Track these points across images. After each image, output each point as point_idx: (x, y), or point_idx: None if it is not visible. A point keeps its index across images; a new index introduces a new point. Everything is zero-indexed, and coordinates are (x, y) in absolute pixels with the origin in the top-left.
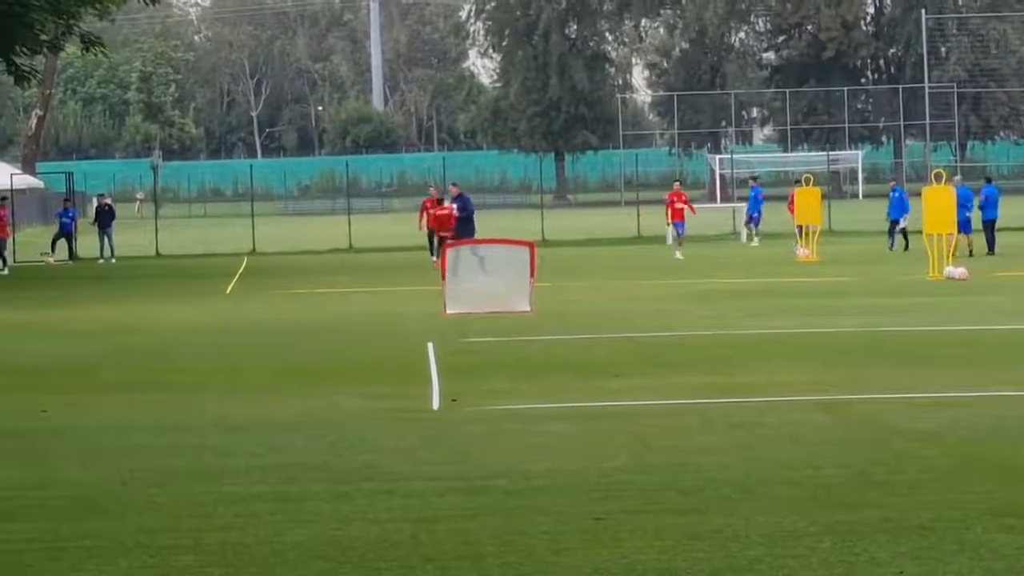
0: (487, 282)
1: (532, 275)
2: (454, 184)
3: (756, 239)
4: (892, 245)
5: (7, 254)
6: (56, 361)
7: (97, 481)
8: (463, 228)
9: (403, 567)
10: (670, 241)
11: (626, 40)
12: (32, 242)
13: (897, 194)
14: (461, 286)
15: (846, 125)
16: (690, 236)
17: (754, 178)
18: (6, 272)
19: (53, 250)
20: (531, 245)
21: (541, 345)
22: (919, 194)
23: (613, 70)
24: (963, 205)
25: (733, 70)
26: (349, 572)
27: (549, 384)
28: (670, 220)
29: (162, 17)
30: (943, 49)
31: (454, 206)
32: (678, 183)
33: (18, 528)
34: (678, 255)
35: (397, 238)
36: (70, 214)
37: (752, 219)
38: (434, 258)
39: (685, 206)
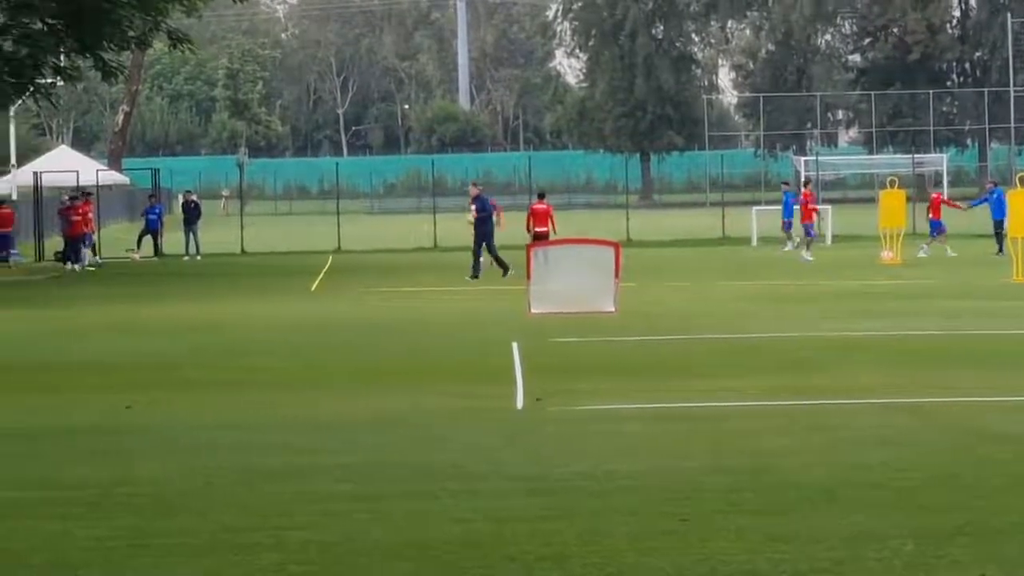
0: (572, 282)
1: (617, 275)
2: (474, 183)
3: (790, 244)
4: (1001, 249)
5: (85, 251)
6: (141, 358)
7: (180, 479)
8: (481, 228)
9: (485, 567)
10: (790, 246)
11: (712, 41)
12: (117, 238)
13: (996, 195)
14: (546, 286)
15: (931, 128)
16: (772, 237)
17: (785, 183)
18: (92, 268)
19: (139, 247)
20: (616, 245)
21: (625, 345)
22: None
23: (699, 71)
24: None
25: (819, 72)
26: (431, 572)
27: (632, 384)
28: (803, 220)
29: (250, 14)
30: None
31: (473, 207)
32: (810, 184)
33: (102, 524)
34: (807, 256)
35: None
36: (156, 211)
37: (786, 225)
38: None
39: (816, 208)
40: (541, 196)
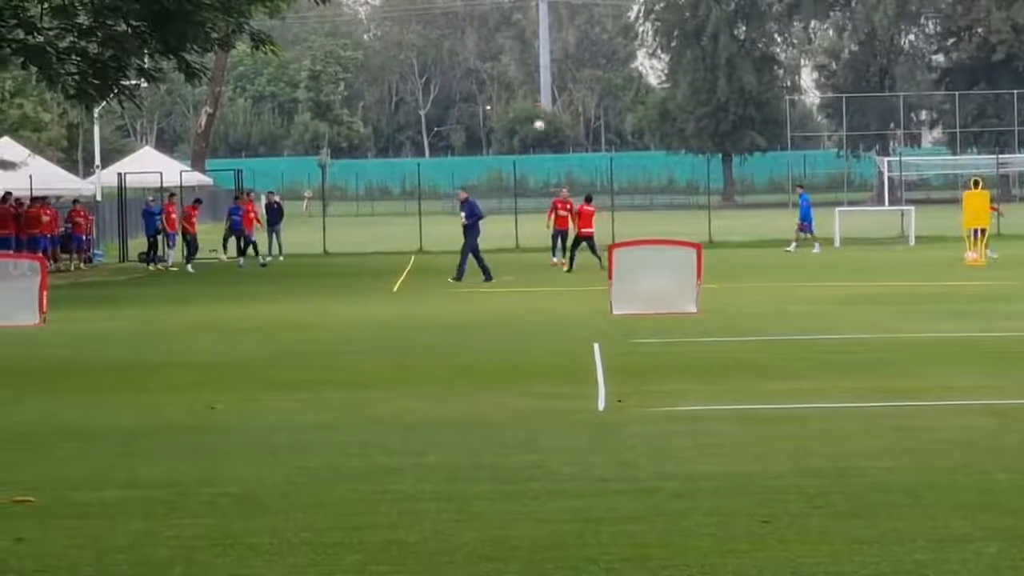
0: (654, 283)
1: (699, 276)
2: (463, 189)
3: (816, 245)
4: None
5: (170, 252)
6: (225, 358)
7: (264, 478)
8: (470, 233)
9: (569, 568)
10: (794, 246)
11: (795, 42)
12: (201, 239)
13: None
14: (628, 287)
15: (1015, 128)
16: (856, 239)
17: (800, 186)
18: (175, 268)
19: (224, 248)
20: (698, 247)
21: (707, 347)
22: None
23: (782, 72)
24: None
25: (902, 72)
26: (515, 572)
27: (715, 386)
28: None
29: (332, 16)
30: None
31: (463, 214)
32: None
33: (186, 523)
34: (978, 256)
35: None
36: (240, 211)
37: (804, 227)
38: (554, 258)
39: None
40: (588, 199)
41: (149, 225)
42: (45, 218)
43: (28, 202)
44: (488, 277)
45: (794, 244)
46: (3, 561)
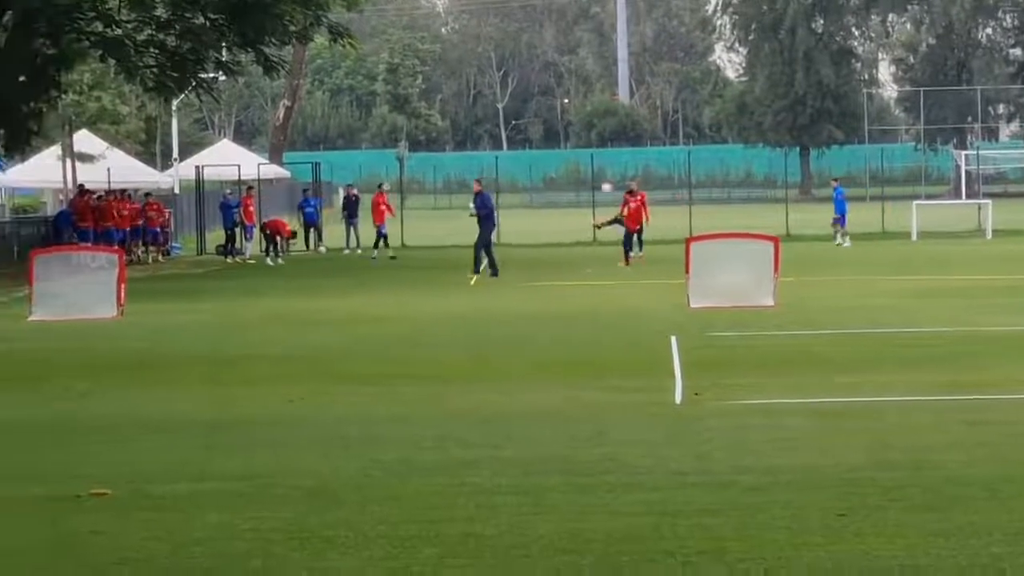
0: (731, 277)
1: (776, 270)
2: (477, 181)
3: (846, 240)
4: None
5: (248, 244)
6: (301, 351)
7: (339, 471)
8: (484, 226)
9: (644, 561)
10: (842, 240)
11: (872, 35)
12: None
13: None
14: (705, 280)
15: None
16: (933, 232)
17: (835, 179)
18: (252, 261)
19: (310, 242)
20: (775, 240)
21: (784, 340)
22: None
23: (859, 65)
24: None
25: (979, 66)
26: (590, 565)
27: (791, 379)
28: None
29: (409, 9)
30: None
31: (473, 206)
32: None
33: (263, 516)
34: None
35: None
36: (312, 204)
37: (838, 220)
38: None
39: None
40: (631, 192)
41: (227, 218)
42: (124, 212)
43: (104, 194)
44: (494, 271)
45: (839, 237)
46: (81, 553)
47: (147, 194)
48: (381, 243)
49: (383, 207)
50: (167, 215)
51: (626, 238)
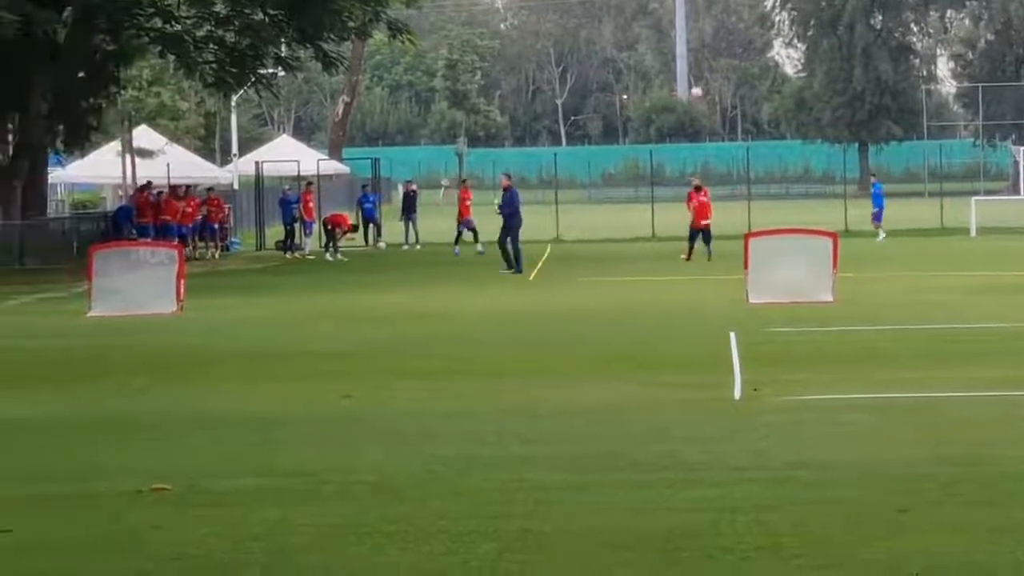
0: (790, 272)
1: (834, 265)
2: (506, 175)
3: (881, 234)
4: None
5: (307, 240)
6: (360, 347)
7: (398, 467)
8: (509, 223)
9: (702, 556)
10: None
11: (931, 31)
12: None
13: None
14: (764, 276)
15: None
16: (991, 228)
17: (873, 175)
18: (312, 257)
19: (369, 237)
20: (834, 236)
21: (842, 335)
22: None
23: (918, 61)
24: None
25: None
26: (648, 561)
27: (850, 374)
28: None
29: (468, 5)
30: None
31: (497, 203)
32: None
33: (323, 511)
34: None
35: None
36: (371, 199)
37: (876, 215)
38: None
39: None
40: (698, 188)
41: (286, 214)
42: (188, 209)
43: (162, 191)
44: (509, 267)
45: (882, 234)
46: (141, 548)
47: (209, 189)
48: (471, 237)
49: (468, 202)
50: (227, 211)
51: (692, 233)
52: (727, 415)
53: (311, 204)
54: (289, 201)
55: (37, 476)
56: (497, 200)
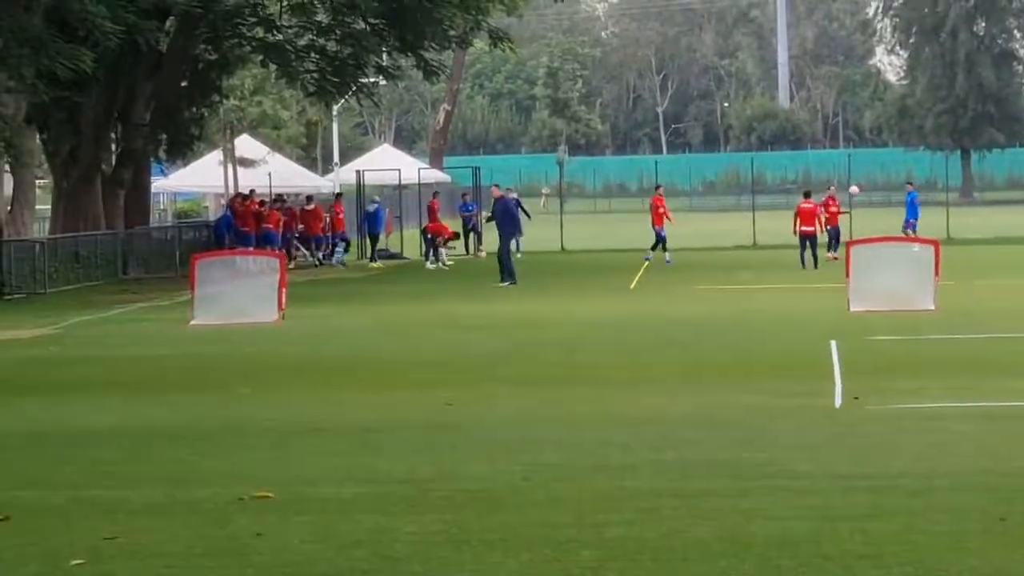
0: (892, 280)
1: (937, 274)
2: (495, 187)
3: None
4: None
5: (340, 252)
6: (461, 355)
7: (499, 475)
8: (505, 229)
9: (803, 565)
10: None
11: None
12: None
13: None
14: (866, 284)
15: None
16: None
17: (909, 183)
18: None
19: (470, 246)
20: (936, 243)
21: (944, 344)
22: None
23: (1021, 68)
24: None
25: None
26: (749, 569)
27: (952, 383)
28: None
29: (570, 13)
30: None
31: (487, 213)
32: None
33: (424, 519)
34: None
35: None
36: (471, 208)
37: (911, 225)
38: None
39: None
40: (807, 195)
41: (372, 224)
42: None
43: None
44: (507, 279)
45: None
46: (244, 555)
47: (308, 198)
48: (659, 246)
49: (662, 210)
50: (328, 220)
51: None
52: (828, 423)
53: (341, 216)
54: (370, 212)
55: (141, 482)
56: (488, 212)
